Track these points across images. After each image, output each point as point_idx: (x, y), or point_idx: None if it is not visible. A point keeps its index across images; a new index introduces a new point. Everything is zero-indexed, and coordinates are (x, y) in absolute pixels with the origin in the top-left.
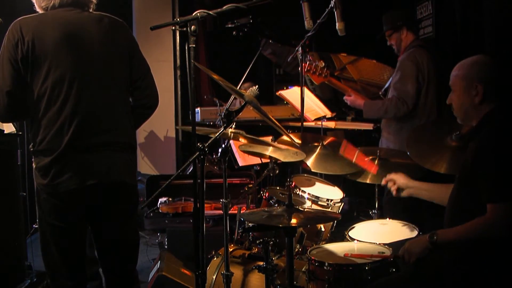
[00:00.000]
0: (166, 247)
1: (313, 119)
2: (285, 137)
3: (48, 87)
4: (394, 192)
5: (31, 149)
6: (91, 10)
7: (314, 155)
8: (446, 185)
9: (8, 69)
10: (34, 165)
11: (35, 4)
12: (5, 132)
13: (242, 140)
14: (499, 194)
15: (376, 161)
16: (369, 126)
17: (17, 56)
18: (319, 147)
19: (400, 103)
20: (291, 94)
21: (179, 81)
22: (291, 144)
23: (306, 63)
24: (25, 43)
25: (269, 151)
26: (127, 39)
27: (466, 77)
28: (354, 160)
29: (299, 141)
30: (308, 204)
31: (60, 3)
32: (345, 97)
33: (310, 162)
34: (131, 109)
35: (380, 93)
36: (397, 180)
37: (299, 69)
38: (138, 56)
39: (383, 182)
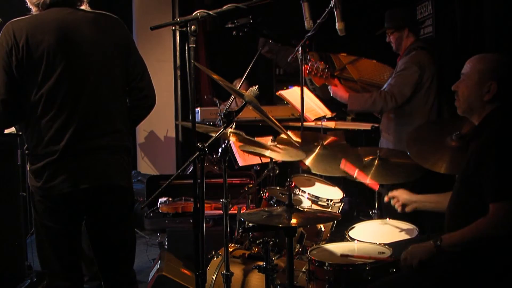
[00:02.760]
0: (166, 247)
1: (313, 119)
2: (284, 136)
3: (44, 93)
4: (399, 209)
5: (25, 152)
6: (83, 7)
7: (313, 155)
8: (448, 193)
9: (2, 77)
10: (28, 167)
11: (27, 0)
12: (5, 132)
13: (240, 143)
14: (502, 193)
15: (376, 161)
16: (368, 126)
17: (11, 63)
18: (319, 147)
19: (388, 97)
20: (291, 94)
21: (179, 81)
22: (291, 143)
23: (308, 64)
24: (20, 49)
25: (269, 151)
26: (124, 37)
27: (483, 72)
28: (355, 175)
29: (299, 140)
30: (308, 204)
31: (58, 1)
32: (330, 86)
33: (309, 162)
34: (128, 109)
35: None
36: (400, 197)
37: (300, 68)
38: (134, 55)
39: (386, 199)
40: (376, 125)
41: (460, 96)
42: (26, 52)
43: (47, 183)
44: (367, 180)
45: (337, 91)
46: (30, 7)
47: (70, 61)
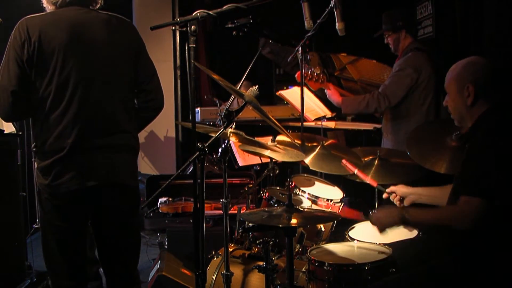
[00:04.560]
0: (166, 247)
1: (313, 119)
2: (284, 137)
3: (52, 89)
4: (397, 204)
5: (33, 149)
6: (98, 7)
7: (313, 154)
8: (444, 187)
9: (14, 69)
10: (35, 165)
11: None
12: (5, 132)
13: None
14: (475, 190)
15: (376, 161)
16: (369, 126)
17: (23, 56)
18: (319, 147)
19: (381, 97)
20: (291, 94)
21: (179, 81)
22: (291, 144)
23: (303, 69)
24: (32, 44)
25: (269, 151)
26: (135, 40)
27: (458, 79)
28: (355, 173)
29: (299, 142)
30: (308, 204)
31: (75, 0)
32: (326, 89)
33: (309, 161)
34: (136, 111)
35: None
36: (397, 191)
37: (300, 67)
38: (144, 58)
39: (384, 196)
40: (378, 126)
41: (450, 109)
42: (37, 46)
43: (55, 181)
44: (368, 179)
45: (331, 94)
46: (45, 5)
47: (80, 59)
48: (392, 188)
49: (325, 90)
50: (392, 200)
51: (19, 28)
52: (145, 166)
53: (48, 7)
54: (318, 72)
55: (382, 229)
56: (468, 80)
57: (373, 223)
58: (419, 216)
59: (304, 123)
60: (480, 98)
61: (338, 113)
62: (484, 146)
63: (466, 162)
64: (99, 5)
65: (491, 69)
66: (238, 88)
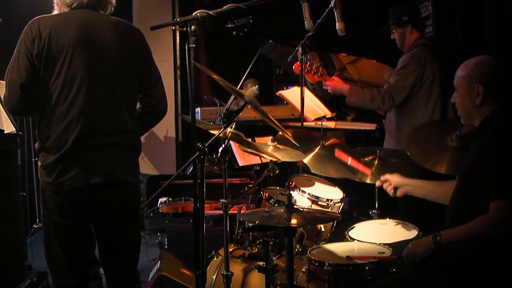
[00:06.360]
0: (166, 247)
1: (313, 119)
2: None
3: (58, 85)
4: (391, 193)
5: (37, 147)
6: (108, 12)
7: (312, 154)
8: (440, 182)
9: (23, 63)
10: (39, 163)
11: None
12: (5, 132)
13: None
14: (502, 192)
15: (376, 161)
16: (369, 126)
17: (33, 51)
18: (319, 147)
19: (387, 96)
20: (291, 94)
21: (179, 81)
22: (291, 144)
23: (299, 62)
24: (42, 40)
25: (269, 151)
26: (141, 46)
27: (468, 77)
28: (348, 163)
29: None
30: (308, 204)
31: (87, 3)
32: (325, 83)
33: (308, 161)
34: (139, 114)
35: None
36: (392, 180)
37: (300, 68)
38: (150, 63)
39: (377, 184)
40: (381, 124)
41: (458, 107)
42: (47, 42)
43: (59, 178)
44: (361, 166)
45: (337, 84)
46: (58, 7)
47: (88, 58)
48: (386, 176)
49: (324, 83)
50: (385, 188)
51: (30, 26)
52: (145, 166)
53: (61, 8)
54: (318, 65)
55: (418, 261)
56: (477, 80)
57: (407, 257)
58: (451, 236)
59: (304, 123)
60: (489, 98)
61: (338, 113)
62: (495, 147)
63: (479, 165)
64: (109, 10)
65: (501, 70)
66: (239, 87)
